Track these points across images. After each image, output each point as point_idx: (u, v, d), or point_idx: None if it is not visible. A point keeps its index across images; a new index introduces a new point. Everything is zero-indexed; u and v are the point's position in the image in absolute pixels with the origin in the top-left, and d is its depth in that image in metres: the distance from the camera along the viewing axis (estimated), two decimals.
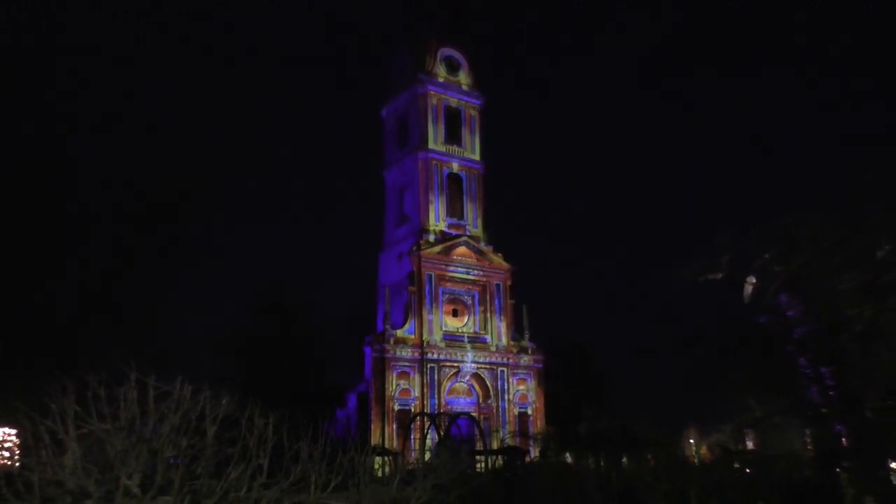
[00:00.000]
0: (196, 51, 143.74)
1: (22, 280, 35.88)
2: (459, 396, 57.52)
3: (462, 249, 59.61)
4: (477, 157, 63.75)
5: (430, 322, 56.53)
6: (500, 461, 41.63)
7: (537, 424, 58.98)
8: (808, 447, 38.20)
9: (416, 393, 54.71)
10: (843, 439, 26.29)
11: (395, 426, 52.74)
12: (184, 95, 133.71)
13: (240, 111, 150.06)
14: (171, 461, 7.61)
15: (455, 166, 62.16)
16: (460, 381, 57.83)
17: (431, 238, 58.57)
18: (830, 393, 25.67)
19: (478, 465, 41.16)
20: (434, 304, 57.11)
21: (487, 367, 58.70)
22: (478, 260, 60.25)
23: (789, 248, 25.69)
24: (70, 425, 7.26)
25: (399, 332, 55.42)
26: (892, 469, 24.91)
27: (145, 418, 7.53)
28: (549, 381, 62.51)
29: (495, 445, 47.99)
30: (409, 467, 25.77)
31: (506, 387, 58.90)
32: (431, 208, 59.74)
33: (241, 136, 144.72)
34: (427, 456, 40.34)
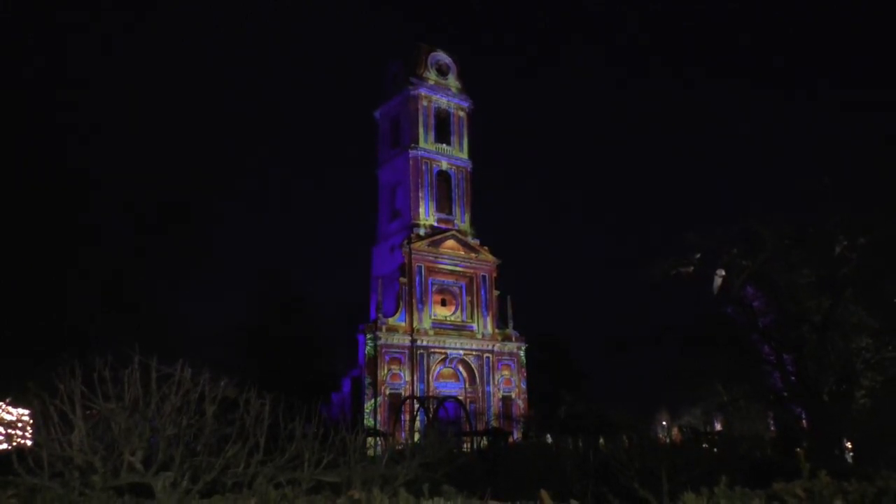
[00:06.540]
0: (198, 54, 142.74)
1: (42, 278, 35.81)
2: (447, 381, 57.71)
3: (451, 243, 59.72)
4: (465, 155, 63.78)
5: (420, 311, 56.66)
6: (484, 442, 41.79)
7: (520, 408, 59.32)
8: (771, 428, 38.66)
9: (407, 378, 54.87)
10: (803, 421, 26.71)
11: (386, 409, 52.91)
12: (187, 97, 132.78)
13: (243, 115, 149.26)
14: (173, 439, 7.65)
15: (444, 164, 62.18)
16: (448, 367, 58.07)
17: (422, 232, 58.64)
18: (791, 379, 26.05)
19: (464, 446, 41.32)
20: (424, 295, 57.26)
21: (474, 353, 58.94)
22: (465, 253, 60.36)
23: (754, 244, 26.00)
24: (77, 405, 7.30)
25: (391, 321, 55.52)
26: (847, 448, 25.29)
27: (148, 399, 7.57)
28: (531, 367, 62.83)
29: (480, 427, 48.18)
30: (399, 447, 25.86)
31: (491, 372, 59.15)
32: (422, 204, 59.77)
33: (244, 138, 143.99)
34: (416, 437, 40.49)
